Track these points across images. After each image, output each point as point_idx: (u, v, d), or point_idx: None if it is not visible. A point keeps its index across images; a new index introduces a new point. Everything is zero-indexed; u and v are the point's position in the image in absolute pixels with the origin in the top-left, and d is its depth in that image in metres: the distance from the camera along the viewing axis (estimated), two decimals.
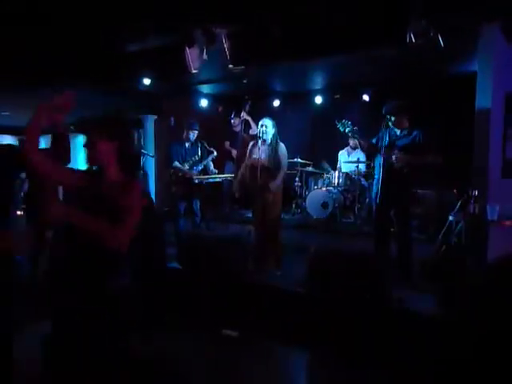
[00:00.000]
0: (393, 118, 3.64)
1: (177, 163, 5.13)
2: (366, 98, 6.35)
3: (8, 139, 11.29)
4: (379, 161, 3.69)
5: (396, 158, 3.54)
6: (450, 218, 3.91)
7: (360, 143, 3.91)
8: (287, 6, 3.37)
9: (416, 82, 5.73)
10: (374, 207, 3.93)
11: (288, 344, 3.02)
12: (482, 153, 3.92)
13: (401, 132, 3.68)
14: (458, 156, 5.06)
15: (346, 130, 3.77)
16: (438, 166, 3.53)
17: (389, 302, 3.33)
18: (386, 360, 2.68)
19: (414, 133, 3.64)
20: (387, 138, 3.66)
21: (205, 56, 4.13)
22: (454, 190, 5.11)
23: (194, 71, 4.20)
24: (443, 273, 3.57)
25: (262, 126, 4.63)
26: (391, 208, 3.71)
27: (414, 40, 3.41)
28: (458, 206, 3.83)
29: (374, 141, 3.80)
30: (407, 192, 3.74)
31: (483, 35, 3.97)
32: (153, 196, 6.94)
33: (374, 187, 3.80)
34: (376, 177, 3.78)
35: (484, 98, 4.08)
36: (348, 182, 5.84)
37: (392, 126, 3.69)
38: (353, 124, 3.86)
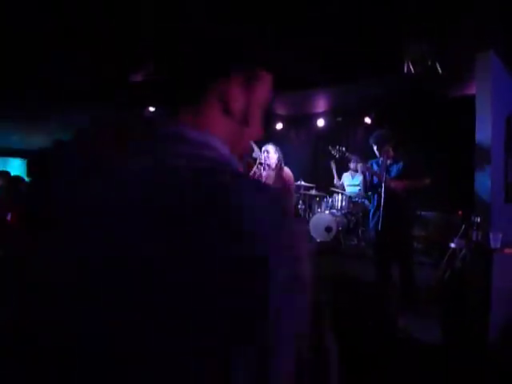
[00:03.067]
0: (375, 148, 3.67)
1: None
2: (368, 120, 6.42)
3: (17, 162, 11.50)
4: (374, 193, 3.76)
5: (390, 186, 3.58)
6: (453, 244, 3.89)
7: (364, 181, 3.87)
8: (284, 40, 3.45)
9: (418, 104, 5.78)
10: (373, 235, 3.94)
11: None
12: (484, 178, 3.92)
13: (388, 162, 3.69)
14: (462, 177, 5.06)
15: (337, 156, 3.82)
16: (425, 188, 3.61)
17: (393, 329, 3.31)
18: None
19: (399, 164, 3.66)
20: (376, 167, 3.71)
21: None
22: (459, 212, 5.10)
23: None
24: (447, 299, 3.55)
25: (263, 151, 4.69)
26: (391, 235, 3.72)
27: (412, 69, 3.47)
28: (460, 232, 3.82)
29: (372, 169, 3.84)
30: (406, 216, 3.74)
31: (480, 60, 4.01)
32: None
33: (371, 216, 3.83)
34: (371, 208, 3.83)
35: (484, 123, 4.10)
36: (351, 205, 5.84)
37: (378, 156, 3.70)
38: (354, 147, 3.92)
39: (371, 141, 3.71)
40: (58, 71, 4.40)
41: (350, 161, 3.92)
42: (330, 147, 3.99)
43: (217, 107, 0.57)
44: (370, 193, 3.97)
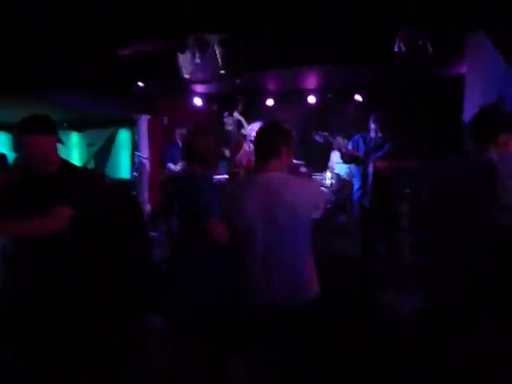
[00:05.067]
0: (373, 126, 3.72)
1: (170, 165, 5.19)
2: (358, 97, 6.40)
3: (2, 136, 11.25)
4: (358, 169, 3.82)
5: (375, 165, 3.64)
6: None
7: (341, 154, 3.94)
8: (278, 15, 3.41)
9: (407, 83, 5.77)
10: (357, 212, 4.03)
11: None
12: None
13: (376, 141, 3.74)
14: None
15: (322, 141, 3.87)
16: (415, 169, 3.68)
17: (376, 305, 3.43)
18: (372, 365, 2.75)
19: (386, 146, 3.72)
20: (363, 146, 3.77)
21: (197, 60, 4.17)
22: None
23: (186, 76, 4.24)
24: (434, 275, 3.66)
25: (251, 130, 4.68)
26: (378, 211, 3.80)
27: (402, 48, 3.46)
28: None
29: (349, 146, 3.88)
30: (392, 194, 3.82)
31: (471, 39, 3.99)
32: (146, 197, 6.96)
33: (355, 191, 3.91)
34: (356, 186, 3.90)
35: (473, 103, 4.12)
36: (340, 183, 5.90)
37: (371, 134, 3.76)
38: (345, 124, 3.95)
39: (373, 120, 3.74)
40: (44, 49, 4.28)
41: (333, 144, 3.97)
42: (313, 134, 4.03)
43: None
44: (352, 164, 4.05)
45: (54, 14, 3.63)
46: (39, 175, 1.94)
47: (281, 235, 1.89)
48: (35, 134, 1.86)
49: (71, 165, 2.09)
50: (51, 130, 1.94)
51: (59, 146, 2.03)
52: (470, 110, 4.10)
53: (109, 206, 2.11)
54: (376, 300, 3.49)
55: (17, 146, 1.96)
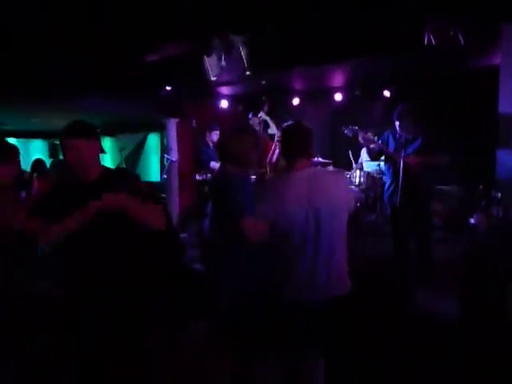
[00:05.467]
0: (397, 123, 3.63)
1: (213, 163, 5.26)
2: (387, 94, 6.27)
3: (39, 143, 11.74)
4: (388, 166, 3.74)
5: (405, 161, 3.55)
6: (472, 220, 3.85)
7: (368, 150, 3.87)
8: (302, 13, 3.39)
9: (438, 77, 5.61)
10: (389, 209, 3.95)
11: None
12: (506, 152, 3.83)
13: (406, 137, 3.64)
14: (482, 151, 4.94)
15: (351, 135, 3.80)
16: (446, 165, 3.61)
17: (411, 305, 3.35)
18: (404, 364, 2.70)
19: (418, 140, 3.62)
20: (393, 142, 3.68)
21: (223, 63, 4.20)
22: (480, 186, 5.01)
23: (212, 78, 4.28)
24: (466, 275, 3.54)
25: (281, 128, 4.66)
26: (409, 210, 3.71)
27: (432, 41, 3.36)
28: (480, 208, 3.77)
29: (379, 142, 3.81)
30: (423, 191, 3.72)
31: (506, 30, 3.85)
32: (176, 200, 7.08)
33: (386, 188, 3.83)
34: (387, 183, 3.81)
35: (508, 94, 3.97)
36: (370, 181, 5.81)
37: (399, 132, 3.67)
38: (372, 121, 3.90)
39: (395, 116, 3.66)
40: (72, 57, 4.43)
41: (361, 138, 3.89)
42: (343, 127, 3.97)
43: None
44: (382, 163, 3.95)
45: (79, 23, 3.74)
46: (80, 182, 1.95)
47: (325, 230, 1.93)
48: (79, 139, 1.88)
49: (111, 171, 2.11)
50: (94, 136, 1.96)
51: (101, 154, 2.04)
52: (505, 103, 3.94)
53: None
54: (407, 298, 3.42)
55: (60, 150, 1.98)
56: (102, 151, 2.08)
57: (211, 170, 5.30)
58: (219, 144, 2.39)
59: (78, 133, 1.90)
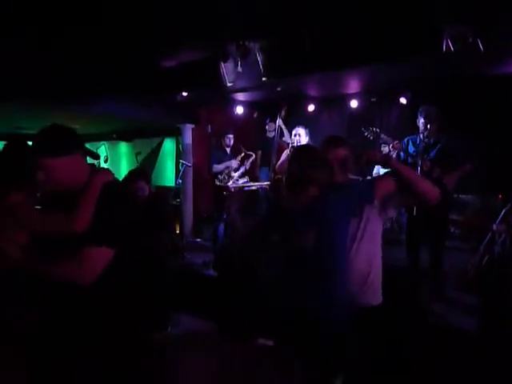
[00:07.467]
0: (423, 122, 3.56)
1: (216, 166, 5.35)
2: (403, 100, 6.20)
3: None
4: None
5: (427, 167, 3.49)
6: (494, 227, 3.77)
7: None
8: (319, 19, 3.38)
9: (457, 83, 5.53)
10: (405, 219, 3.88)
11: None
12: None
13: (427, 142, 3.58)
14: (503, 160, 4.85)
15: (371, 138, 3.76)
16: (470, 173, 3.56)
17: (425, 315, 3.27)
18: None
19: (439, 145, 3.56)
20: (413, 148, 3.62)
21: (239, 69, 4.21)
22: (499, 196, 4.91)
23: (229, 84, 4.30)
24: (485, 285, 3.46)
25: (295, 135, 4.65)
26: (426, 219, 3.64)
27: (451, 47, 3.31)
28: (500, 217, 3.69)
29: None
30: (442, 200, 3.64)
31: None
32: (190, 204, 7.12)
33: None
34: None
35: None
36: None
37: (421, 134, 3.61)
38: (388, 128, 3.85)
39: (422, 114, 3.60)
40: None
41: (385, 143, 3.85)
42: (363, 129, 3.92)
43: None
44: None
45: (95, 28, 3.80)
46: (64, 194, 1.61)
47: (367, 238, 2.14)
48: (45, 158, 1.50)
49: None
50: (65, 152, 1.52)
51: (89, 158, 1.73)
52: None
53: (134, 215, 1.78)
54: (421, 309, 3.35)
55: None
56: (93, 157, 1.74)
57: (214, 169, 5.43)
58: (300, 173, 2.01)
59: (43, 150, 1.51)
